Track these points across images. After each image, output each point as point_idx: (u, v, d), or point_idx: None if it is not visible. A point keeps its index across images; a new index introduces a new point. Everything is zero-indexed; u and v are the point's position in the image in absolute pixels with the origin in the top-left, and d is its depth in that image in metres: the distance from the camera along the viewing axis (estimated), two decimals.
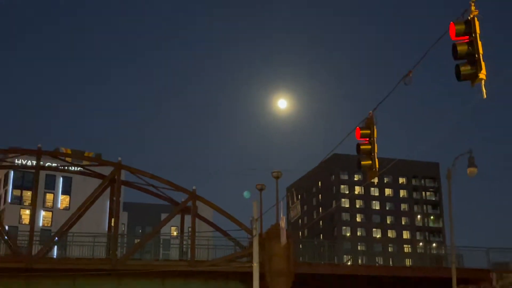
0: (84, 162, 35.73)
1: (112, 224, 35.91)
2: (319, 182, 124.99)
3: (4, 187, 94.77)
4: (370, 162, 15.36)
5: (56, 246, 37.21)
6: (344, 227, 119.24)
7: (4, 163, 40.25)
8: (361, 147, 15.48)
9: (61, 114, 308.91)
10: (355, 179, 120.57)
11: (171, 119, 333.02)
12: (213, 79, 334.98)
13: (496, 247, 55.37)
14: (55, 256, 36.22)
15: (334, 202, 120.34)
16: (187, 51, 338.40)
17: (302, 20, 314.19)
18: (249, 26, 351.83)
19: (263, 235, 31.26)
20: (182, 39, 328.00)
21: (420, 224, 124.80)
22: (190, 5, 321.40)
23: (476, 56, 11.27)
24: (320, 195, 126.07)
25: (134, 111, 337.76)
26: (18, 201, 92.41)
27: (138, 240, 37.91)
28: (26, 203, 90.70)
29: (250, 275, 28.79)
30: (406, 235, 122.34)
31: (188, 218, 34.74)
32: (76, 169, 45.28)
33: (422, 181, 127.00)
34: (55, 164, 38.41)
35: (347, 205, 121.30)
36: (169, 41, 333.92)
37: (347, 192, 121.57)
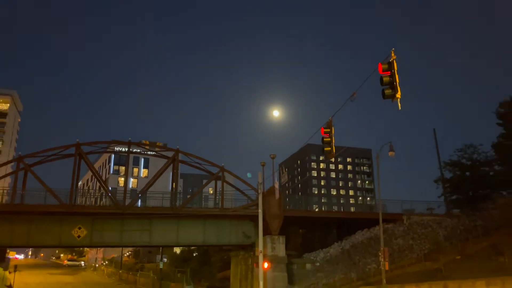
0: (156, 149, 38.06)
1: (173, 186, 37.45)
2: (298, 161, 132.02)
3: (108, 164, 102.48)
4: (329, 148, 16.60)
5: (139, 200, 39.14)
6: (314, 188, 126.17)
7: (108, 150, 43.05)
8: (324, 139, 16.76)
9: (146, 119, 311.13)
10: (321, 159, 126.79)
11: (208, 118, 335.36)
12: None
13: (406, 200, 58.53)
14: (139, 205, 37.89)
15: (307, 173, 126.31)
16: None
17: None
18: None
19: (265, 192, 32.34)
20: None
21: (360, 186, 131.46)
22: None
23: (395, 83, 12.66)
24: (299, 169, 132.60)
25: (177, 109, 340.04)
26: (116, 172, 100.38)
27: (189, 196, 41.25)
28: (121, 174, 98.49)
29: (256, 217, 30.73)
30: (351, 193, 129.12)
31: (219, 183, 36.12)
32: (151, 153, 47.44)
33: (362, 160, 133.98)
34: (139, 150, 40.68)
35: (315, 175, 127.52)
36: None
37: (315, 166, 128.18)
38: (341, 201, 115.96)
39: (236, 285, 39.75)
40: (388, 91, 13.05)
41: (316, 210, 45.28)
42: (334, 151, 16.66)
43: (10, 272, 51.82)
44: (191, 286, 47.56)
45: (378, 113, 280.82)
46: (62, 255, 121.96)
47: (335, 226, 37.28)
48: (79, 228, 32.75)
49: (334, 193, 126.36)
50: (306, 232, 38.66)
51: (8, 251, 64.03)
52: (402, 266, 29.36)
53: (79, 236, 32.75)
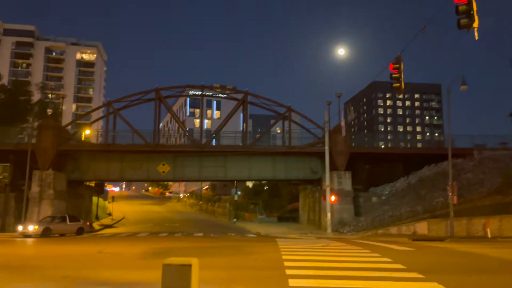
0: (227, 91, 38.59)
1: (244, 127, 38.29)
2: (364, 99, 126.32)
3: (184, 107, 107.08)
4: (398, 84, 15.73)
5: (214, 139, 40.34)
6: (380, 125, 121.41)
7: (183, 94, 44.71)
8: (393, 75, 15.82)
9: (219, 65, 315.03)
10: (387, 96, 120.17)
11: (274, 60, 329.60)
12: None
13: (477, 134, 54.97)
14: (214, 144, 39.21)
15: (373, 111, 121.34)
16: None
17: None
18: None
19: (331, 130, 32.19)
20: None
21: (428, 122, 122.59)
22: None
23: (471, 12, 11.44)
24: (365, 107, 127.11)
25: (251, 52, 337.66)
26: (192, 115, 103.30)
27: (258, 135, 41.86)
28: (196, 116, 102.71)
29: (322, 154, 30.85)
30: (418, 129, 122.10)
31: (286, 122, 36.12)
32: (222, 96, 48.13)
33: (430, 95, 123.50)
34: (211, 93, 41.54)
35: (381, 112, 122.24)
36: None
37: (382, 104, 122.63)
38: (408, 137, 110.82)
39: (304, 216, 41.08)
40: (463, 21, 11.73)
41: (382, 146, 44.04)
42: (403, 87, 15.82)
43: (109, 202, 57.69)
44: (263, 216, 49.91)
45: (450, 44, 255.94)
46: (150, 188, 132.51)
47: (401, 162, 36.25)
48: (163, 165, 35.10)
49: (401, 129, 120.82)
50: (372, 168, 38.10)
51: (105, 184, 70.74)
52: (471, 200, 28.18)
53: (163, 172, 35.22)
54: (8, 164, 32.59)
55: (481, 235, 23.97)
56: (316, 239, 22.76)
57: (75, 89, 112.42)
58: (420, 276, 9.36)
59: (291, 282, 8.45)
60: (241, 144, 35.79)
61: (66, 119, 68.87)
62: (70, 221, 27.03)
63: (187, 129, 48.11)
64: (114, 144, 33.77)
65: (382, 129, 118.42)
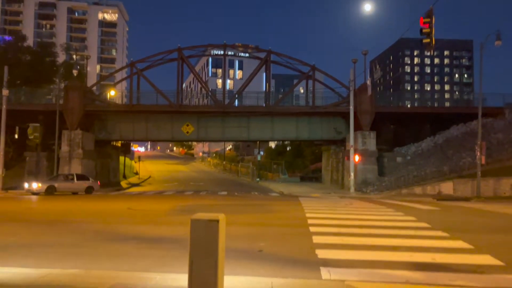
0: (249, 50, 37.94)
1: (267, 87, 37.69)
2: (391, 57, 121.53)
3: (206, 67, 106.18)
4: (429, 40, 15.03)
5: (236, 99, 38.82)
6: (406, 84, 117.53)
7: (206, 54, 44.26)
8: (423, 30, 15.13)
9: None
10: (415, 54, 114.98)
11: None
12: None
13: (509, 93, 52.44)
14: (236, 105, 38.08)
15: (400, 69, 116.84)
16: None
17: None
18: None
19: (356, 90, 31.46)
20: None
21: (457, 81, 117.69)
22: None
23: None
24: (391, 65, 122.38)
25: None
26: (214, 75, 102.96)
27: (281, 95, 41.34)
28: (219, 76, 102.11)
29: (347, 113, 30.61)
30: (447, 87, 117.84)
31: (310, 82, 35.35)
32: (245, 55, 47.69)
33: (461, 52, 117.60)
34: (233, 52, 40.79)
35: (409, 71, 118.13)
36: None
37: (409, 62, 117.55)
38: (436, 97, 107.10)
39: (327, 176, 41.20)
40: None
41: (409, 106, 43.00)
42: (433, 42, 15.17)
43: (135, 162, 59.31)
44: (285, 176, 50.37)
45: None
46: (174, 148, 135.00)
47: (428, 122, 35.37)
48: (187, 125, 35.47)
49: (428, 89, 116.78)
50: (397, 128, 37.40)
51: (132, 144, 72.36)
52: (500, 160, 27.55)
53: (187, 132, 35.66)
54: (38, 124, 33.57)
55: (509, 195, 23.60)
56: (339, 198, 22.92)
57: (98, 50, 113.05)
58: (445, 234, 9.36)
59: (315, 239, 8.61)
60: (263, 105, 35.40)
61: (91, 80, 69.73)
62: (77, 180, 26.55)
63: (210, 89, 47.93)
64: (139, 104, 34.18)
65: (409, 88, 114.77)
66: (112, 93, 45.10)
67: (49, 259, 6.86)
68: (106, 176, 37.37)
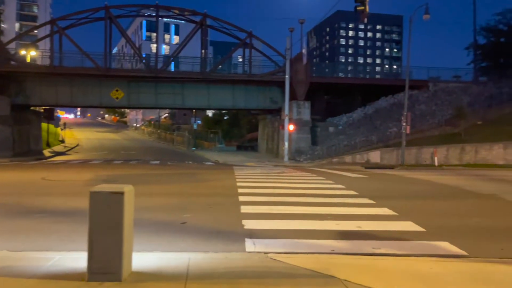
0: (185, 13, 35.71)
1: (203, 53, 35.42)
2: (327, 29, 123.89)
3: (140, 30, 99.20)
4: (363, 8, 15.14)
5: (172, 64, 37.97)
6: (341, 57, 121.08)
7: (139, 14, 40.81)
8: None
9: None
10: (350, 26, 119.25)
11: None
12: None
13: (433, 67, 56.03)
14: (172, 70, 37.13)
15: (335, 41, 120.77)
16: None
17: None
18: None
19: (292, 59, 31.41)
20: None
21: (388, 54, 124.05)
22: None
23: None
24: (327, 37, 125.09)
25: None
26: (149, 39, 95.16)
27: (218, 62, 40.57)
28: (154, 40, 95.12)
29: (283, 83, 30.40)
30: (378, 60, 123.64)
31: (247, 51, 34.31)
32: (180, 18, 44.62)
33: (392, 27, 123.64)
34: (167, 14, 38.15)
35: (344, 43, 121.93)
36: None
37: (344, 34, 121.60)
38: (367, 70, 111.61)
39: (263, 145, 41.40)
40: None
41: (343, 76, 43.92)
42: (367, 9, 15.23)
43: (61, 129, 55.38)
44: (222, 145, 49.98)
45: None
46: (106, 115, 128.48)
47: (360, 93, 36.48)
48: (117, 91, 33.34)
49: (362, 61, 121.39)
50: (331, 98, 38.24)
51: (57, 110, 67.36)
52: (422, 130, 29.21)
53: (117, 98, 33.56)
54: None
55: (429, 163, 25.13)
56: (273, 167, 22.98)
57: (17, 5, 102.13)
58: (371, 201, 9.49)
59: (243, 208, 8.28)
60: (199, 71, 34.17)
61: (8, 39, 62.87)
62: None
63: (143, 55, 45.37)
64: (61, 66, 31.41)
65: (343, 61, 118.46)
66: (32, 53, 41.06)
67: None
68: (26, 144, 34.37)
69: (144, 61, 36.16)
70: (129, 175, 15.26)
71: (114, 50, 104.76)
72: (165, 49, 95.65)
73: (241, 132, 54.80)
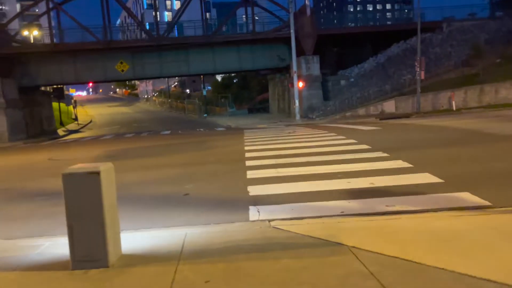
0: None
1: (205, 15, 34.57)
2: None
3: None
4: None
5: (176, 30, 37.32)
6: (349, 6, 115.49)
7: None
8: None
9: None
10: None
11: None
12: None
13: (447, 6, 52.88)
14: (176, 35, 36.63)
15: None
16: None
17: None
18: None
19: (296, 12, 30.46)
20: None
21: None
22: None
23: None
24: None
25: None
26: (150, 7, 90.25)
27: (220, 23, 38.98)
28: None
29: (289, 39, 29.36)
30: (389, 6, 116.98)
31: (250, 10, 32.74)
32: None
33: None
34: None
35: None
36: None
37: None
38: (377, 17, 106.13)
39: (274, 105, 40.75)
40: None
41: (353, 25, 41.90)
42: None
43: (74, 107, 55.58)
44: (233, 109, 49.46)
45: None
46: (117, 89, 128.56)
47: (370, 42, 34.99)
48: (121, 63, 32.89)
49: (371, 8, 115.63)
50: (340, 50, 36.80)
51: (69, 89, 67.48)
52: (438, 74, 28.01)
53: (122, 70, 33.15)
54: None
55: (446, 108, 24.22)
56: (285, 127, 22.49)
57: None
58: (385, 154, 8.98)
59: (249, 174, 7.90)
60: (202, 35, 33.19)
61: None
62: None
63: (147, 24, 44.08)
64: (62, 43, 30.89)
65: (352, 10, 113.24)
66: (35, 33, 40.54)
67: None
68: (39, 125, 34.58)
69: (141, 27, 35.12)
70: (137, 148, 15.02)
71: (117, 22, 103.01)
72: (167, 16, 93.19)
73: (251, 95, 53.99)
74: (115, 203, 3.89)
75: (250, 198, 6.18)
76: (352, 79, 32.46)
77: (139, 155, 12.56)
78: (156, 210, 5.95)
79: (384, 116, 23.89)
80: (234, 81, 59.93)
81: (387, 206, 5.25)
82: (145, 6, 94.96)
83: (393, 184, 6.31)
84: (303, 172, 7.67)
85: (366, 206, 5.30)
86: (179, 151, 13.19)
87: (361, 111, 27.14)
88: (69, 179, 3.61)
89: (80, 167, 3.74)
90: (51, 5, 30.81)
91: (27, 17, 59.94)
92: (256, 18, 35.07)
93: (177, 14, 33.89)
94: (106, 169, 3.73)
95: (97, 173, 3.59)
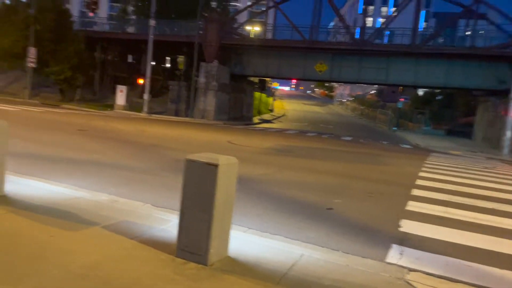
0: None
1: (415, 22, 31.01)
2: None
3: (356, 4, 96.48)
4: None
5: (385, 37, 36.73)
6: None
7: None
8: None
9: None
10: None
11: None
12: None
13: None
14: (385, 42, 35.94)
15: None
16: None
17: None
18: None
19: None
20: None
21: None
22: None
23: None
24: None
25: None
26: (365, 12, 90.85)
27: (431, 34, 36.09)
28: (369, 13, 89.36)
29: None
30: None
31: (473, 20, 30.02)
32: None
33: None
34: None
35: None
36: None
37: None
38: None
39: (479, 132, 35.35)
40: None
41: None
42: None
43: (274, 100, 60.42)
44: (428, 127, 45.16)
45: None
46: (316, 89, 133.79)
47: None
48: (321, 64, 33.61)
49: None
50: None
51: (273, 82, 73.50)
52: None
53: (320, 71, 33.88)
54: (183, 56, 35.82)
55: None
56: (484, 160, 19.08)
57: None
58: None
59: (411, 204, 6.77)
60: (407, 44, 31.02)
61: (242, 15, 71.23)
62: None
63: (358, 29, 43.88)
64: (271, 39, 33.48)
65: None
66: (256, 28, 45.44)
67: (112, 183, 6.69)
68: (239, 110, 38.58)
69: (346, 31, 34.93)
70: (307, 148, 15.01)
71: (331, 25, 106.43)
72: (380, 22, 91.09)
73: (453, 115, 48.10)
74: (230, 200, 3.68)
75: (398, 234, 5.23)
76: None
77: (307, 155, 12.46)
78: (289, 216, 5.61)
79: None
80: (437, 97, 54.47)
81: None
82: (359, 11, 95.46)
83: None
84: (480, 221, 6.12)
85: None
86: (346, 159, 12.53)
87: None
88: (190, 165, 3.55)
89: (201, 155, 3.65)
90: (270, 4, 33.60)
91: (250, 14, 67.41)
92: (481, 32, 30.78)
93: (387, 21, 32.47)
94: (227, 163, 3.54)
95: (216, 166, 3.43)
